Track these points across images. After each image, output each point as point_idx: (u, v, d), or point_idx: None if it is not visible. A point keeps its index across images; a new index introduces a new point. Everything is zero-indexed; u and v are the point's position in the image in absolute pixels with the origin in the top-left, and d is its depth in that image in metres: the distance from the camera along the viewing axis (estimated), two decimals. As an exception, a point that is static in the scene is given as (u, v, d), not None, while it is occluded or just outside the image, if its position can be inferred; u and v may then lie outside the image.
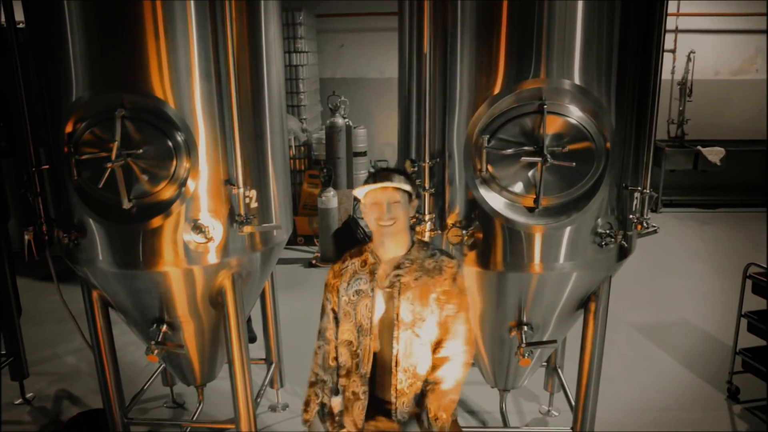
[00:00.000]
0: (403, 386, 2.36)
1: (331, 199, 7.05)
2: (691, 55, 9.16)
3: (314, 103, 9.12)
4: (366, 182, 2.37)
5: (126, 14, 2.63)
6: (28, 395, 4.39)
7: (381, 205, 2.30)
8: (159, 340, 3.12)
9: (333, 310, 2.49)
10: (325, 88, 9.43)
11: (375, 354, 2.38)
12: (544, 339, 3.20)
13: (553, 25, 2.59)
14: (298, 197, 8.04)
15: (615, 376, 4.45)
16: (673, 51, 9.27)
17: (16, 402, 4.33)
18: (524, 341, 3.01)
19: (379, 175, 2.36)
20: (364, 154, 8.92)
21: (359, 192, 2.37)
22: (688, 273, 6.82)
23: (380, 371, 2.39)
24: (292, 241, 7.67)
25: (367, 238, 7.74)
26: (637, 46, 2.76)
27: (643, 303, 5.94)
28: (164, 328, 3.15)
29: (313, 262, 7.17)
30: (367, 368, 2.38)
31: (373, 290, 2.37)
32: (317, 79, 9.38)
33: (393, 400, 2.37)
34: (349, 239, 7.08)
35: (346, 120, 7.98)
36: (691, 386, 4.47)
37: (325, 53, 9.64)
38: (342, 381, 2.47)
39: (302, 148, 8.20)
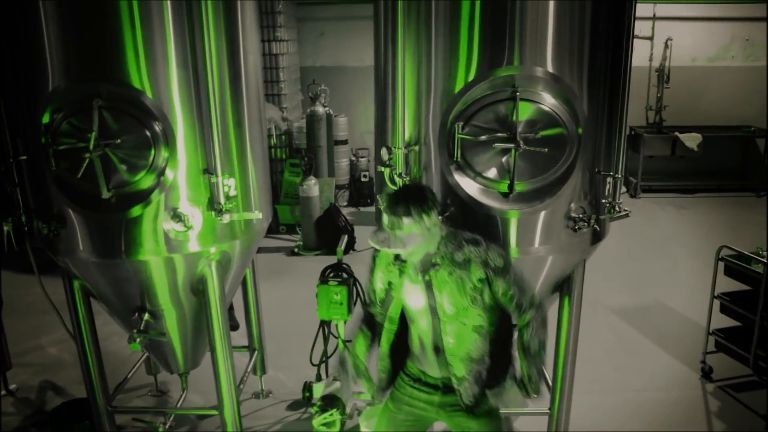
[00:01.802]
0: (463, 373, 2.50)
1: (312, 187, 7.07)
2: (669, 42, 9.28)
3: (295, 91, 9.12)
4: (385, 209, 2.41)
5: (101, 2, 2.63)
6: (12, 386, 4.41)
7: (400, 241, 2.37)
8: (141, 328, 3.14)
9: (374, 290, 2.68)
10: (305, 76, 9.43)
11: (418, 336, 2.58)
12: (521, 322, 3.27)
13: (526, 13, 2.62)
14: (280, 186, 8.05)
15: (593, 358, 4.55)
16: (651, 38, 9.37)
17: (0, 394, 4.34)
18: (500, 324, 3.07)
19: (395, 208, 2.36)
20: (345, 142, 8.98)
21: (373, 240, 2.42)
22: (665, 256, 6.95)
23: (422, 352, 2.60)
24: (274, 230, 7.70)
25: (349, 225, 7.72)
26: (609, 34, 2.81)
27: (622, 286, 6.06)
28: (146, 316, 3.17)
29: (295, 250, 7.21)
30: (416, 350, 2.62)
31: (403, 283, 2.54)
32: (298, 68, 9.36)
33: (456, 386, 2.52)
34: (331, 227, 7.13)
35: (327, 108, 8.01)
36: (667, 366, 4.59)
37: (306, 41, 9.62)
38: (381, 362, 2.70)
39: (283, 137, 8.21)
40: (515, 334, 2.62)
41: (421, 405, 2.67)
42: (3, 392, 4.35)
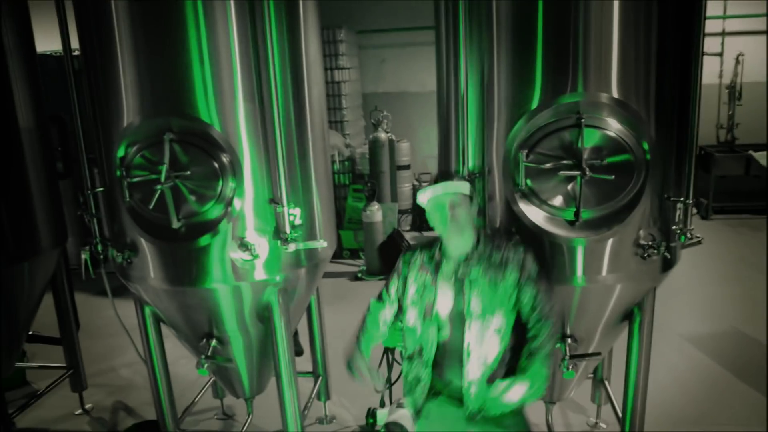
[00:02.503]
0: (475, 375, 2.52)
1: (375, 213, 7.12)
2: (740, 58, 8.97)
3: (357, 118, 9.24)
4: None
5: (172, 41, 2.74)
6: (87, 406, 4.57)
7: (444, 208, 2.50)
8: (209, 354, 3.22)
9: (396, 296, 2.73)
10: (367, 102, 9.56)
11: (443, 343, 2.59)
12: (589, 351, 3.19)
13: (589, 39, 2.60)
14: (343, 211, 8.15)
15: (665, 388, 4.37)
16: (721, 54, 9.09)
17: (77, 412, 4.52)
18: (568, 354, 3.00)
19: (437, 182, 2.57)
20: (407, 167, 9.01)
21: (423, 197, 2.59)
22: (740, 281, 6.64)
23: (448, 360, 2.59)
24: (338, 255, 7.77)
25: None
26: (676, 55, 2.74)
27: (694, 312, 5.82)
28: (213, 342, 3.25)
29: (359, 275, 7.25)
30: (430, 354, 2.59)
31: (436, 284, 2.56)
32: (360, 95, 9.50)
33: (464, 387, 2.53)
34: (395, 252, 7.14)
35: (389, 134, 8.07)
36: (746, 399, 4.35)
37: (367, 68, 9.77)
38: (405, 365, 2.73)
39: (346, 162, 8.31)
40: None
41: (450, 421, 2.64)
42: (79, 411, 4.52)
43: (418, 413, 2.71)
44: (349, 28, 8.92)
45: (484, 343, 2.51)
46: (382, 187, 8.01)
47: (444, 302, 2.56)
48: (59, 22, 3.04)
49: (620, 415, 3.36)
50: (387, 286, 2.79)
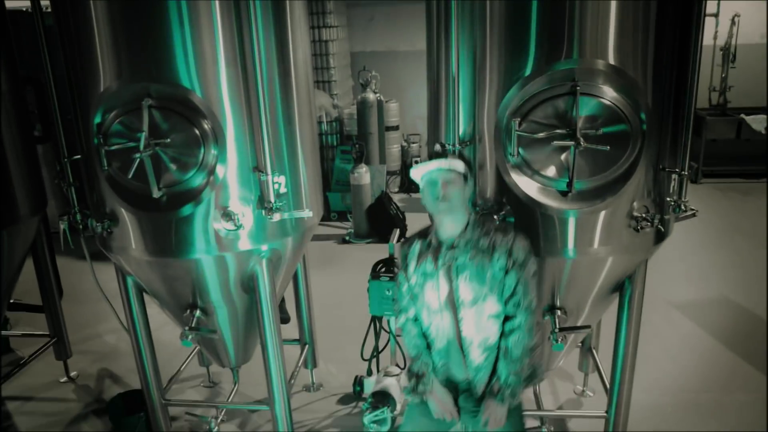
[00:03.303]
0: (479, 361, 2.50)
1: (363, 175, 7.03)
2: (736, 19, 8.80)
3: (345, 77, 9.06)
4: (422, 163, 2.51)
5: (150, 2, 2.61)
6: (72, 374, 4.54)
7: (436, 185, 2.42)
8: (193, 325, 3.16)
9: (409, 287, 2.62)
10: (356, 62, 9.35)
11: (445, 334, 2.54)
12: (579, 323, 3.16)
13: (586, 3, 2.48)
14: (331, 173, 8.04)
15: (652, 356, 4.38)
16: (716, 15, 8.90)
17: (62, 380, 4.49)
18: (557, 326, 2.97)
19: (435, 156, 2.50)
20: (396, 128, 8.89)
21: (415, 173, 2.52)
22: (729, 247, 6.64)
23: (453, 349, 2.55)
24: (325, 217, 7.67)
25: (400, 213, 7.67)
26: (676, 21, 2.63)
27: (682, 279, 5.83)
28: (198, 313, 3.19)
29: (346, 238, 7.19)
30: (440, 345, 2.56)
31: (438, 270, 2.48)
32: (348, 54, 9.29)
33: (471, 376, 2.52)
34: (383, 215, 7.09)
35: (378, 95, 7.92)
36: (732, 366, 4.38)
37: (356, 27, 9.53)
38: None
39: (334, 123, 8.17)
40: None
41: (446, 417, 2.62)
42: (64, 379, 4.48)
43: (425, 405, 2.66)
44: (337, -15, 8.67)
45: (482, 330, 2.47)
46: (370, 148, 7.90)
47: (439, 284, 2.51)
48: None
49: (607, 383, 3.35)
50: (398, 293, 2.70)
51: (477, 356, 2.50)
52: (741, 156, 9.28)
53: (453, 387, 2.63)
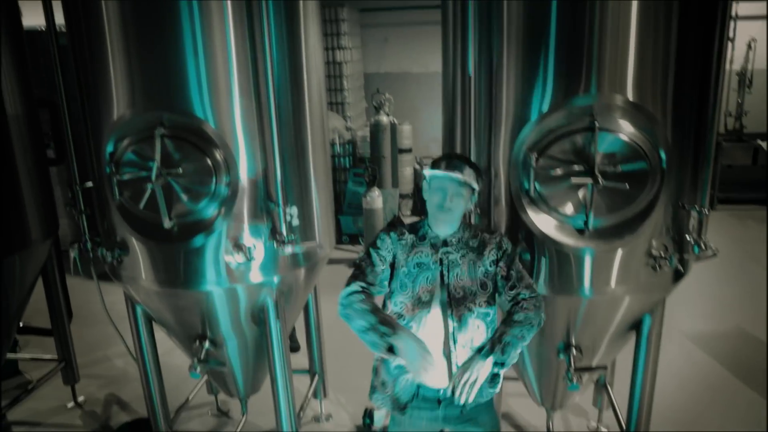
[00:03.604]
0: (463, 360, 2.41)
1: (375, 199, 6.99)
2: (752, 43, 8.73)
3: (359, 99, 9.07)
4: (437, 164, 2.45)
5: (164, 32, 2.60)
6: (80, 399, 4.48)
7: (444, 194, 2.40)
8: (202, 357, 3.12)
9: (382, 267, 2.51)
10: (369, 83, 9.37)
11: (427, 337, 2.41)
12: (594, 361, 3.09)
13: (605, 37, 2.44)
14: (343, 196, 8.01)
15: (667, 390, 4.27)
16: (732, 39, 8.84)
17: (69, 405, 4.43)
18: (573, 365, 2.90)
19: (451, 162, 2.43)
20: (409, 150, 8.86)
21: (428, 173, 2.47)
22: (746, 278, 6.51)
23: (436, 347, 2.43)
24: (337, 240, 7.65)
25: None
26: (696, 57, 2.58)
27: (697, 309, 5.71)
28: (207, 344, 3.15)
29: (358, 262, 7.12)
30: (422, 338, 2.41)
31: (434, 263, 2.44)
32: (362, 75, 9.32)
33: (453, 378, 2.40)
34: (394, 239, 7.02)
35: (391, 118, 7.89)
36: (748, 403, 4.27)
37: (370, 48, 9.56)
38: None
39: (346, 146, 8.16)
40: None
41: (424, 423, 2.55)
42: (71, 404, 4.43)
43: (402, 409, 2.54)
44: (352, 6, 8.70)
45: (469, 329, 2.43)
46: (383, 172, 7.86)
47: (426, 280, 2.46)
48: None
49: (623, 421, 3.27)
50: (367, 263, 2.58)
51: (462, 355, 2.42)
52: (757, 182, 9.15)
53: (433, 398, 2.50)
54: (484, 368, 2.32)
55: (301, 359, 4.48)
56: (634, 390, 3.06)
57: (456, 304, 2.43)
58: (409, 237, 2.53)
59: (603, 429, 3.96)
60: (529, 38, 2.55)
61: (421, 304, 2.45)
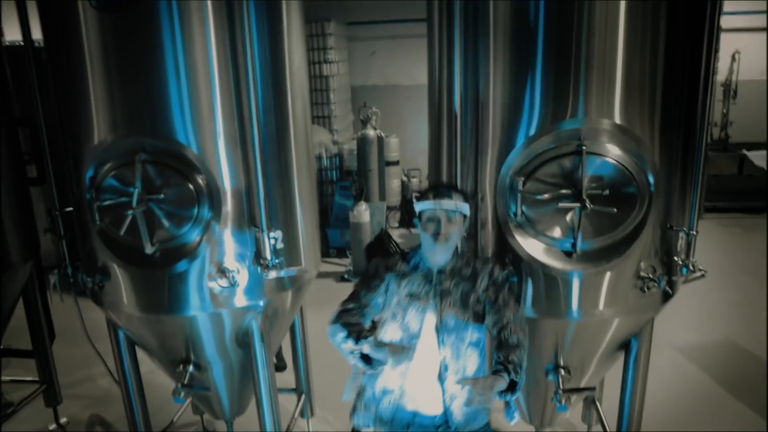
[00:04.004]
0: (453, 390, 2.41)
1: (362, 213, 6.95)
2: (736, 55, 8.83)
3: (345, 112, 9.04)
4: (425, 196, 2.46)
5: (146, 56, 2.55)
6: (62, 420, 4.39)
7: (438, 224, 2.40)
8: (185, 381, 3.06)
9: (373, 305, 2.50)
10: (356, 95, 9.35)
11: (419, 366, 2.43)
12: (583, 381, 3.07)
13: (592, 62, 2.42)
14: (330, 209, 7.97)
15: (656, 402, 4.26)
16: (717, 51, 8.92)
17: (51, 428, 4.34)
18: (561, 386, 2.87)
19: (439, 192, 2.44)
20: (396, 163, 8.84)
21: (418, 206, 2.47)
22: (733, 287, 6.52)
23: (420, 374, 2.45)
24: (324, 254, 7.62)
25: (399, 250, 7.56)
26: (683, 80, 2.58)
27: (685, 320, 5.69)
28: (191, 368, 3.09)
29: (345, 276, 7.10)
30: (407, 367, 2.43)
31: (426, 293, 2.44)
32: (348, 88, 9.29)
33: (447, 404, 2.42)
34: (382, 253, 6.98)
35: (378, 131, 7.88)
36: (737, 415, 4.26)
37: (357, 60, 9.55)
38: (366, 378, 2.56)
39: (333, 159, 8.13)
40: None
41: None
42: (53, 426, 4.35)
43: (381, 422, 2.55)
44: (338, 20, 8.68)
45: (460, 357, 2.42)
46: (370, 185, 7.83)
47: (419, 312, 2.44)
48: (19, 18, 2.81)
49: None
50: (355, 298, 2.53)
51: (451, 384, 2.41)
52: (743, 191, 9.22)
53: (430, 425, 2.48)
54: (497, 383, 2.20)
55: (287, 377, 4.43)
56: (623, 408, 3.04)
57: (448, 333, 2.41)
58: (401, 267, 2.52)
59: (592, 446, 3.93)
60: (515, 62, 2.53)
61: (412, 333, 2.43)
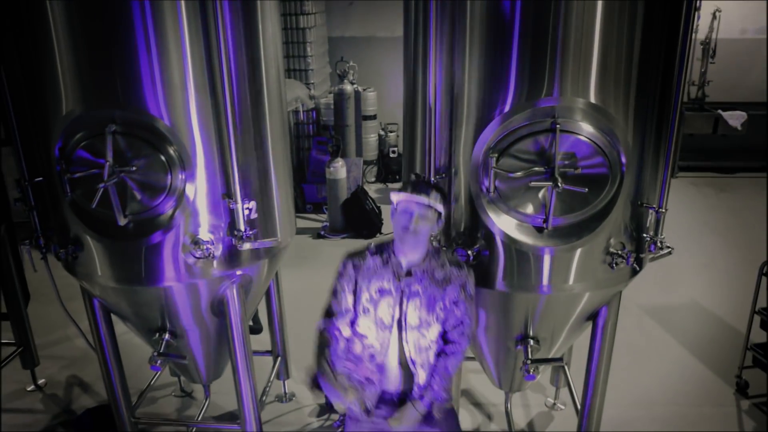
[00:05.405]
0: (424, 381, 2.53)
1: (339, 169, 6.94)
2: (717, 13, 8.76)
3: (322, 64, 8.89)
4: (404, 188, 2.47)
5: (115, 26, 2.48)
6: (40, 381, 4.43)
7: (410, 216, 2.41)
8: (162, 350, 3.10)
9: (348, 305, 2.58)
10: (334, 47, 9.19)
11: (382, 353, 2.54)
12: (553, 350, 3.15)
13: (569, 41, 2.41)
14: (307, 164, 7.93)
15: (622, 366, 4.39)
16: (697, 9, 8.85)
17: (29, 389, 4.39)
18: (530, 356, 2.95)
19: (418, 186, 2.47)
20: (374, 117, 8.77)
21: (394, 196, 2.48)
22: (701, 248, 6.64)
23: (389, 369, 2.57)
24: (300, 209, 7.62)
25: (376, 207, 7.58)
26: (659, 60, 2.58)
27: (653, 283, 5.77)
28: (167, 336, 3.12)
29: (321, 232, 7.12)
30: (383, 359, 2.54)
31: (395, 289, 2.48)
32: (326, 39, 9.11)
33: (417, 394, 2.53)
34: (358, 210, 7.02)
35: (355, 86, 7.79)
36: (700, 378, 4.43)
37: (334, 11, 9.33)
38: (349, 365, 2.57)
39: (310, 113, 8.04)
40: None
41: (383, 423, 2.60)
42: (32, 387, 4.38)
43: (368, 413, 2.60)
44: (317, -31, 8.46)
45: (423, 352, 2.52)
46: (347, 141, 7.80)
47: (388, 305, 2.51)
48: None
49: (578, 400, 3.35)
50: (335, 298, 2.62)
51: (422, 377, 2.53)
52: (717, 151, 9.33)
53: (390, 400, 2.62)
54: (417, 415, 2.52)
55: (263, 339, 4.48)
56: (590, 371, 3.12)
57: (411, 331, 2.49)
58: (371, 261, 2.54)
59: (560, 406, 4.08)
60: (492, 39, 2.50)
61: (384, 327, 2.51)
